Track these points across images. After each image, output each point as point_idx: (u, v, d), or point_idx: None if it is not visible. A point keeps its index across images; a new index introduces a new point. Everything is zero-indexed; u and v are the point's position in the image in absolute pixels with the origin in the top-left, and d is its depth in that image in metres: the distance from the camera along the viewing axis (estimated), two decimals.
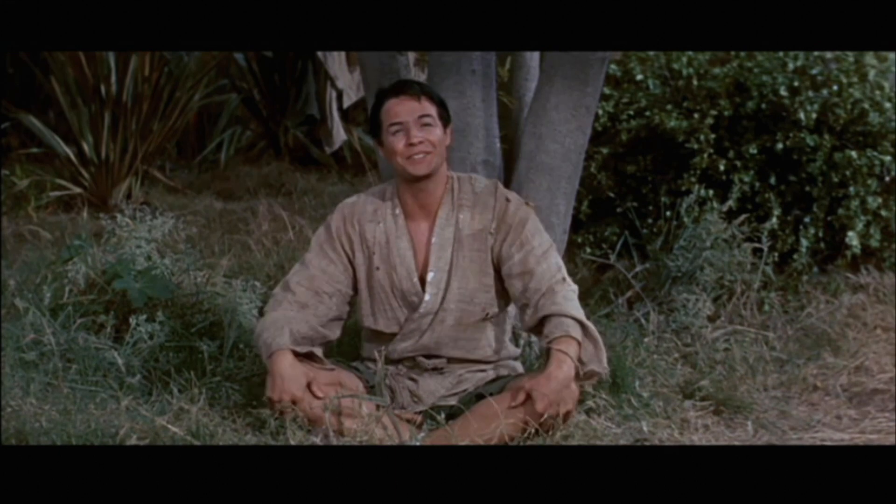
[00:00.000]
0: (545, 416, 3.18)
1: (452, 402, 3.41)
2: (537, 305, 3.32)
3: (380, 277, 3.44)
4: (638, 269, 4.50)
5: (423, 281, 3.42)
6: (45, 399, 3.32)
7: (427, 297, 3.40)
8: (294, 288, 3.42)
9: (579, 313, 3.29)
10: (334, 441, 3.22)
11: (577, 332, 3.24)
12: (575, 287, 3.38)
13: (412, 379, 3.46)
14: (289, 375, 3.25)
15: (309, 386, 3.25)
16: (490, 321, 3.45)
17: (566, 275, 3.40)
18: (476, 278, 3.42)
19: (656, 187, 4.80)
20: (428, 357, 3.45)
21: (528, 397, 3.20)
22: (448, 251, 3.41)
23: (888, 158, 4.65)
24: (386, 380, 3.37)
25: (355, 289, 3.48)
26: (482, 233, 3.42)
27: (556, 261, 3.41)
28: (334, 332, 3.46)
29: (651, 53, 4.98)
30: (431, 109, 3.37)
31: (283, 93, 8.09)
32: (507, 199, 3.43)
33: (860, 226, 4.66)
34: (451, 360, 3.45)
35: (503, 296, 3.46)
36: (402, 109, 3.36)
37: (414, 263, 3.42)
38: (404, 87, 3.40)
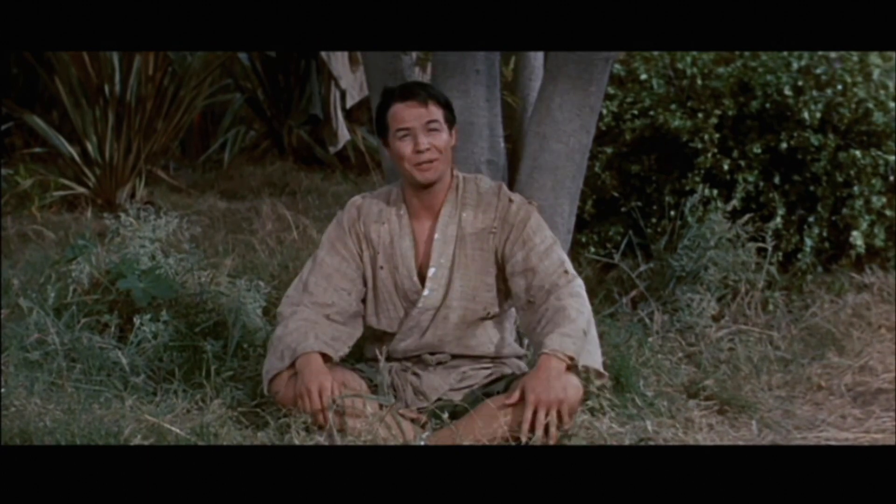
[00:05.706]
0: (548, 414, 3.18)
1: (457, 398, 3.41)
2: (540, 304, 3.34)
3: (383, 277, 3.46)
4: (642, 268, 4.50)
5: (423, 278, 3.43)
6: (49, 399, 3.32)
7: (426, 292, 3.42)
8: (312, 288, 3.43)
9: (579, 315, 3.29)
10: (338, 441, 3.22)
11: (569, 345, 3.23)
12: (579, 281, 3.40)
13: (416, 374, 3.47)
14: (319, 371, 3.25)
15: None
16: (492, 319, 3.47)
17: (569, 268, 3.41)
18: (478, 276, 3.44)
19: (660, 187, 4.79)
20: (432, 353, 3.46)
21: (523, 396, 3.22)
22: (450, 248, 3.43)
23: (892, 158, 4.64)
24: (389, 377, 3.38)
25: (366, 284, 3.50)
26: (485, 231, 3.44)
27: (558, 256, 3.42)
28: (357, 329, 3.47)
29: (655, 53, 4.97)
30: (438, 114, 3.38)
31: (286, 92, 8.10)
32: (510, 200, 3.45)
33: (864, 225, 4.65)
34: (454, 357, 3.47)
35: (505, 296, 3.48)
36: (409, 115, 3.36)
37: (414, 261, 3.44)
38: (411, 93, 3.39)
